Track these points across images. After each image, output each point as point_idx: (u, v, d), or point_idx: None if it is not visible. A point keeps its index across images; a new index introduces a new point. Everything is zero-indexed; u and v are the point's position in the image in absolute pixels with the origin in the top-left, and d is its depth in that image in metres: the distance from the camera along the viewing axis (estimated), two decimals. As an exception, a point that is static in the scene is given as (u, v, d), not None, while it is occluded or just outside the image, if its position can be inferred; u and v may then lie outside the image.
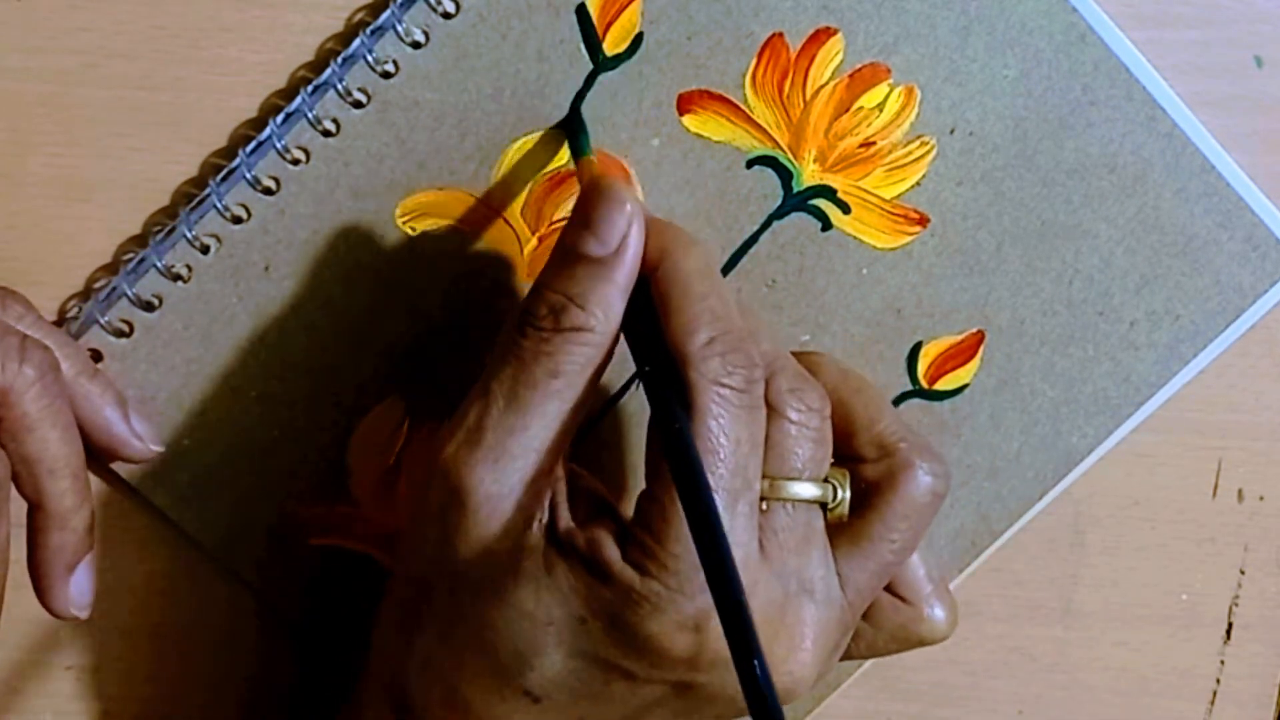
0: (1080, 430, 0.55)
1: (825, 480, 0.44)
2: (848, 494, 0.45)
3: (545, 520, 0.44)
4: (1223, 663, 0.58)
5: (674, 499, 0.41)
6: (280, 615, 0.54)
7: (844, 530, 0.45)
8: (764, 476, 0.43)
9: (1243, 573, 0.57)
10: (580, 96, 0.50)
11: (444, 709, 0.45)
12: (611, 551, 0.42)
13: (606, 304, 0.43)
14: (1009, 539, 0.56)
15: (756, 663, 0.36)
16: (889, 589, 0.48)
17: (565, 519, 0.44)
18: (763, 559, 0.43)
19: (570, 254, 0.44)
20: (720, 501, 0.41)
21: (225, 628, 0.54)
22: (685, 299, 0.43)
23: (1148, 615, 0.58)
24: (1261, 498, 0.57)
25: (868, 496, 0.46)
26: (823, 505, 0.44)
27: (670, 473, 0.41)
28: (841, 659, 0.47)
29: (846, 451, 0.46)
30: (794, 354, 0.46)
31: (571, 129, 0.50)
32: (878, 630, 0.49)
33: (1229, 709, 0.58)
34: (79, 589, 0.49)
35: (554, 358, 0.43)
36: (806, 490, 0.44)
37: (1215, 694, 0.58)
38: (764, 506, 0.43)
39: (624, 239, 0.43)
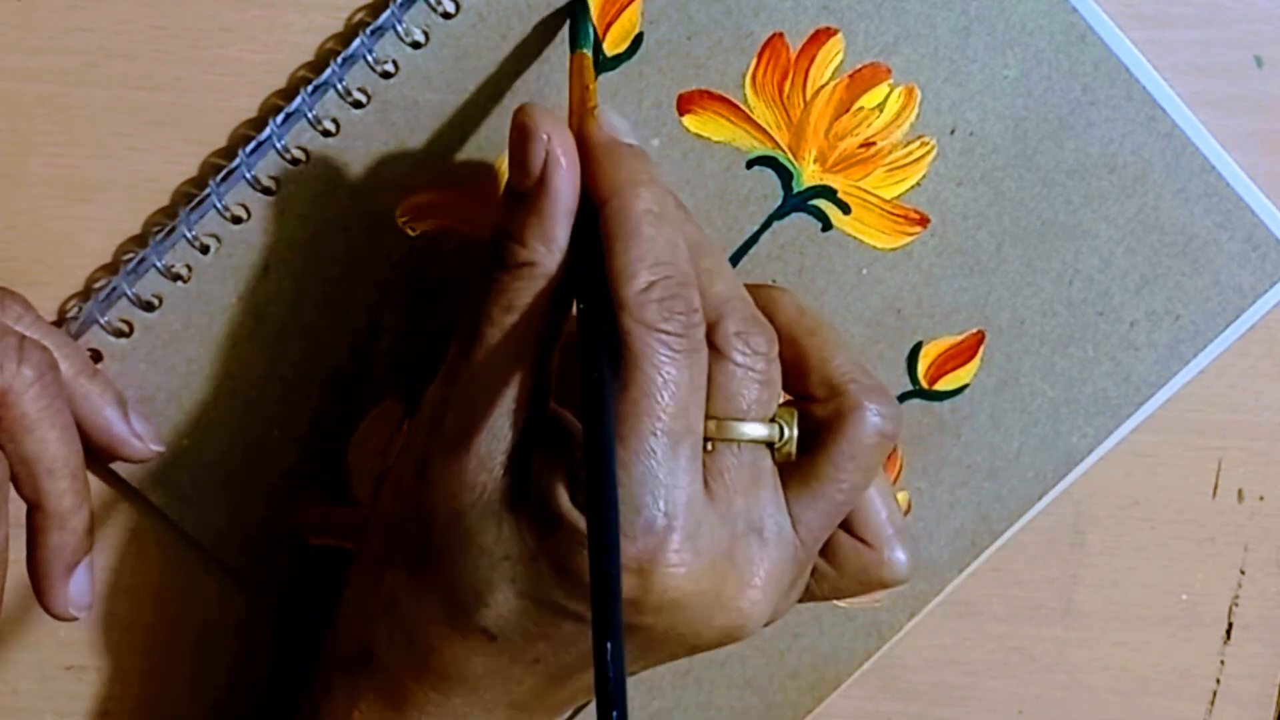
0: (1080, 430, 0.55)
1: (772, 420, 0.44)
2: (795, 433, 0.45)
3: (507, 456, 0.44)
4: (1223, 663, 0.58)
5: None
6: (279, 615, 0.54)
7: (795, 470, 0.45)
8: (709, 417, 0.43)
9: (1243, 573, 0.57)
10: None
11: (406, 652, 0.45)
12: (561, 493, 0.42)
13: (544, 235, 0.43)
14: (1009, 539, 0.56)
15: (609, 645, 0.36)
16: (851, 531, 0.48)
17: (527, 456, 0.44)
18: (709, 501, 0.43)
19: (508, 191, 0.44)
20: (661, 446, 0.41)
21: (225, 628, 0.54)
22: (627, 241, 0.43)
23: (1148, 615, 0.58)
24: (1261, 498, 0.57)
25: (817, 436, 0.45)
26: (770, 445, 0.44)
27: (582, 420, 0.41)
28: (804, 599, 0.47)
29: (798, 390, 0.46)
30: (752, 288, 0.46)
31: (573, 14, 0.49)
32: (840, 572, 0.48)
33: (1229, 709, 0.58)
34: (78, 589, 0.49)
35: (505, 295, 0.44)
36: (752, 430, 0.44)
37: (1215, 694, 0.58)
38: (709, 447, 0.43)
39: (544, 168, 0.43)
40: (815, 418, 0.46)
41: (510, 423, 0.44)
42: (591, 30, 0.49)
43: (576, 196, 0.44)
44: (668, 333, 0.42)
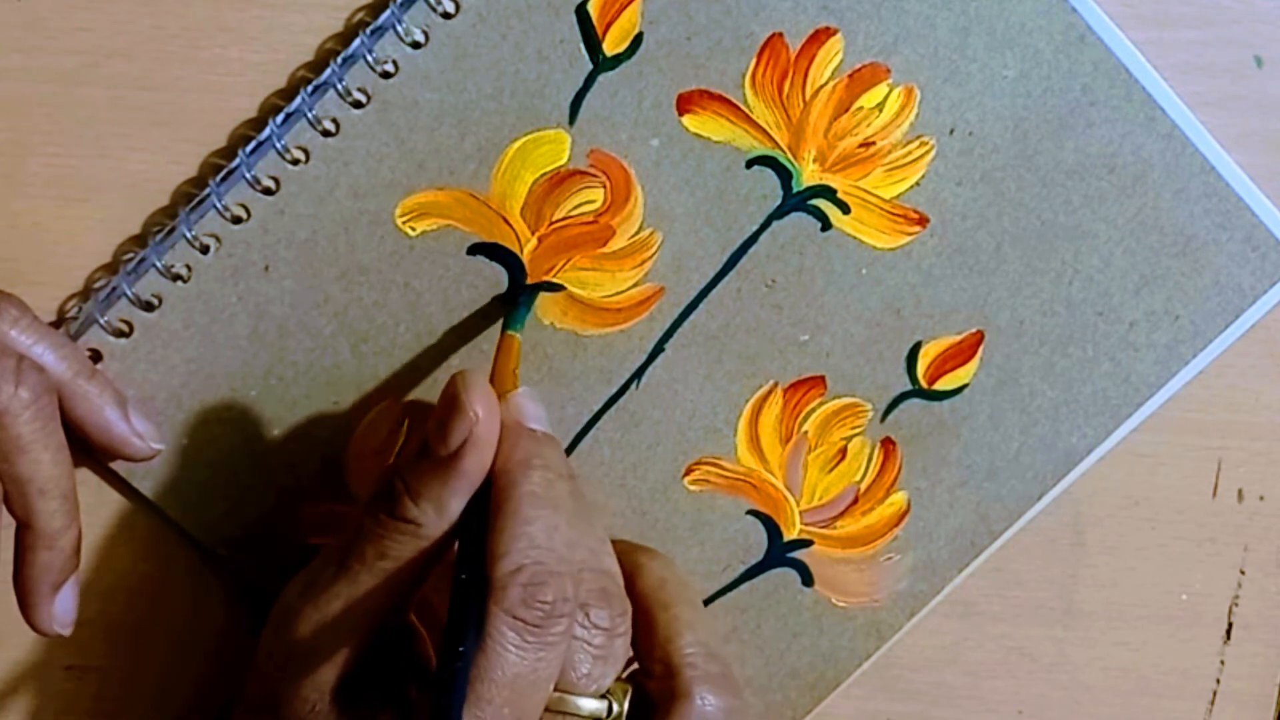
0: (1080, 430, 0.55)
1: (604, 695, 0.45)
2: (624, 708, 0.46)
3: (335, 684, 0.45)
4: (1223, 663, 0.58)
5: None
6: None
7: None
8: None
9: (1243, 573, 0.57)
10: (579, 98, 0.50)
11: None
12: None
13: (439, 503, 0.45)
14: (1009, 539, 0.56)
15: None
16: None
17: (364, 686, 0.45)
18: None
19: (422, 445, 0.45)
20: None
21: (225, 627, 0.54)
22: (508, 520, 0.44)
23: (1148, 615, 0.58)
24: (1261, 498, 0.57)
25: (648, 715, 0.47)
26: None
27: (430, 698, 0.42)
28: None
29: (642, 662, 0.48)
30: (625, 549, 0.48)
31: (513, 298, 0.51)
32: None
33: (1229, 709, 0.58)
34: (63, 607, 0.49)
35: (382, 541, 0.45)
36: (581, 704, 0.45)
37: (1215, 694, 0.58)
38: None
39: (463, 445, 0.44)
40: (649, 694, 0.47)
41: (353, 657, 0.45)
42: (526, 316, 0.51)
43: (481, 480, 0.45)
44: (525, 622, 0.43)
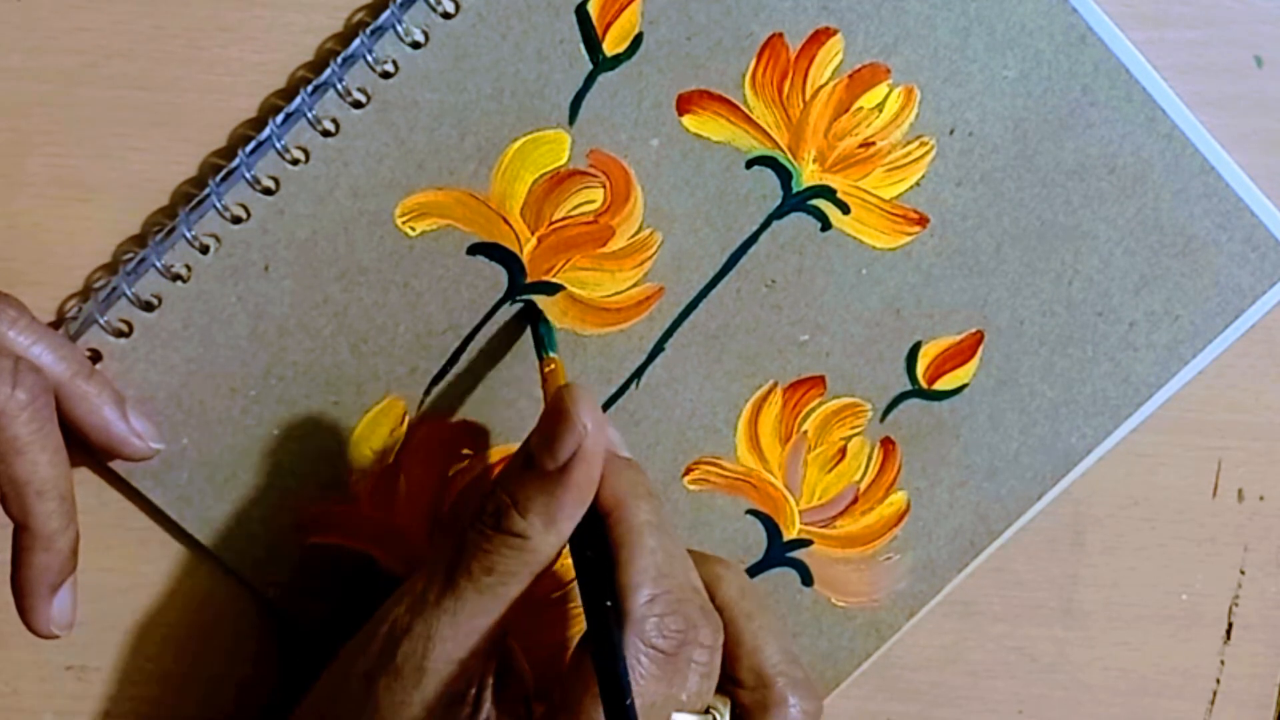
0: (1079, 431, 0.55)
1: (707, 710, 0.46)
2: (727, 719, 0.47)
3: (466, 707, 0.45)
4: (1223, 663, 0.58)
5: None
6: (279, 614, 0.54)
7: None
8: None
9: (1243, 573, 0.57)
10: (579, 99, 0.50)
11: None
12: None
13: (548, 516, 0.44)
14: (1009, 539, 0.56)
15: None
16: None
17: (482, 705, 0.45)
18: None
19: (527, 459, 0.45)
20: None
21: (225, 627, 0.54)
22: (634, 551, 0.44)
23: (1148, 615, 0.58)
24: (1261, 498, 0.57)
25: None
26: None
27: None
28: None
29: (728, 671, 0.48)
30: (700, 559, 0.48)
31: (533, 321, 0.51)
32: None
33: (1229, 709, 0.58)
34: (61, 609, 0.49)
35: (490, 556, 0.45)
36: None
37: (1215, 694, 0.58)
38: None
39: (573, 457, 0.44)
40: (740, 703, 0.48)
41: (476, 674, 0.45)
42: (553, 332, 0.51)
43: (590, 495, 0.45)
44: (659, 650, 0.44)
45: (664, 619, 0.44)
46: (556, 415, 0.45)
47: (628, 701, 0.41)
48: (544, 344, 0.51)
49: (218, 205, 0.49)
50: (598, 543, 0.45)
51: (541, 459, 0.44)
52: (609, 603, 0.44)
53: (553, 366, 0.50)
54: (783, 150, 0.51)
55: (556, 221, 0.51)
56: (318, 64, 0.50)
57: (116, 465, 0.51)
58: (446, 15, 0.49)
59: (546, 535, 0.45)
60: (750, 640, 0.48)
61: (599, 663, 0.42)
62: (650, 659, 0.44)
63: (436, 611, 0.45)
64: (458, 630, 0.45)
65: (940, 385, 0.54)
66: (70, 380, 0.49)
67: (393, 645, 0.45)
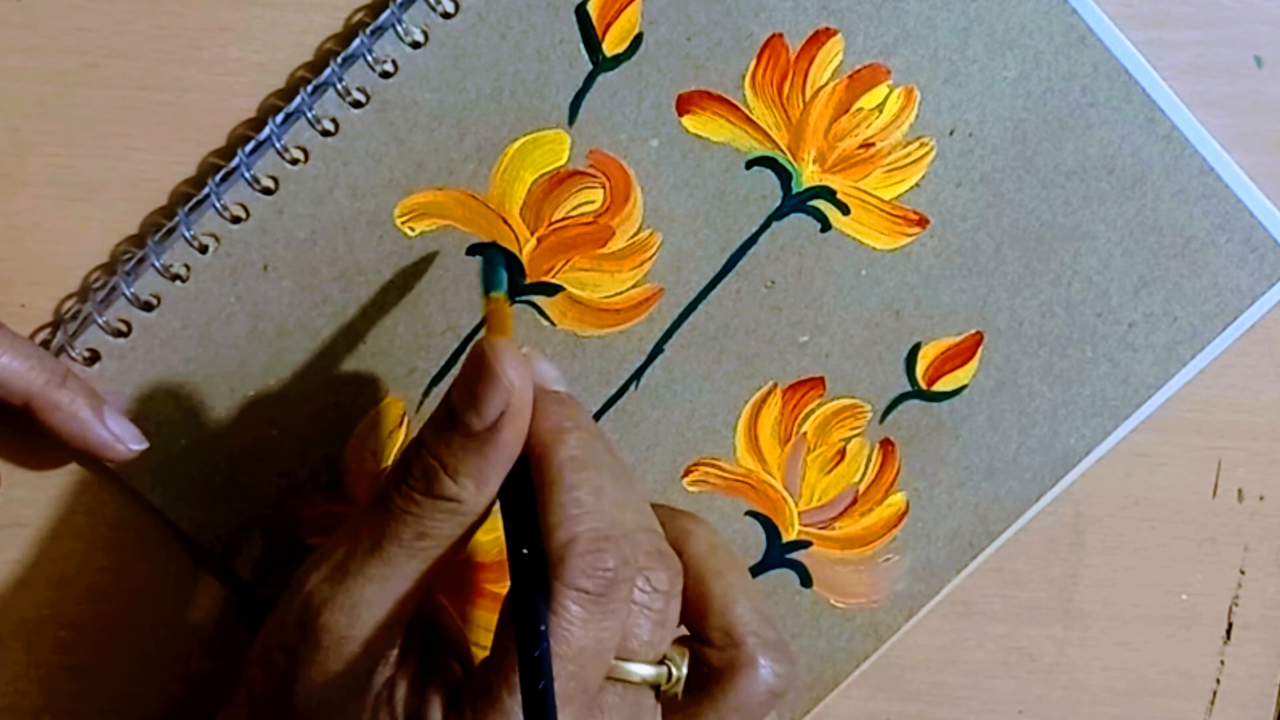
0: (1078, 432, 0.55)
1: (662, 661, 0.44)
2: (684, 673, 0.45)
3: (390, 669, 0.44)
4: (1223, 663, 0.58)
5: (507, 689, 0.41)
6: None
7: (679, 710, 0.45)
8: None
9: (1243, 573, 0.57)
10: (579, 99, 0.50)
11: None
12: (435, 715, 0.43)
13: (479, 477, 0.43)
14: (1009, 539, 0.56)
15: None
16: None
17: (407, 669, 0.44)
18: None
19: (451, 418, 0.43)
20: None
21: (225, 628, 0.54)
22: (553, 489, 0.43)
23: (1148, 615, 0.58)
24: (1261, 498, 0.57)
25: (707, 681, 0.46)
26: (656, 686, 0.44)
27: (519, 679, 0.40)
28: None
29: (696, 629, 0.46)
30: (668, 514, 0.47)
31: (486, 257, 0.50)
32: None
33: (1229, 709, 0.58)
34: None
35: (421, 521, 0.43)
36: (640, 670, 0.44)
37: (1215, 694, 0.58)
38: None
39: (501, 416, 0.43)
40: (708, 662, 0.46)
41: (398, 641, 0.44)
42: (504, 274, 0.48)
43: (519, 450, 0.43)
44: (588, 593, 0.41)
45: (586, 557, 0.41)
46: (478, 372, 0.43)
47: (536, 653, 0.40)
48: (491, 283, 0.47)
49: (217, 205, 0.49)
50: (524, 488, 0.43)
51: (468, 418, 0.43)
52: (524, 550, 0.42)
53: (494, 307, 0.46)
54: (782, 151, 0.51)
55: (556, 222, 0.51)
56: (317, 64, 0.50)
57: (115, 466, 0.51)
58: (446, 15, 0.49)
59: (479, 496, 0.43)
60: (720, 598, 0.46)
61: (514, 616, 0.41)
62: (575, 601, 0.41)
63: (361, 580, 0.43)
64: (385, 596, 0.43)
65: (940, 386, 0.54)
66: (42, 390, 0.48)
67: (313, 616, 0.44)
